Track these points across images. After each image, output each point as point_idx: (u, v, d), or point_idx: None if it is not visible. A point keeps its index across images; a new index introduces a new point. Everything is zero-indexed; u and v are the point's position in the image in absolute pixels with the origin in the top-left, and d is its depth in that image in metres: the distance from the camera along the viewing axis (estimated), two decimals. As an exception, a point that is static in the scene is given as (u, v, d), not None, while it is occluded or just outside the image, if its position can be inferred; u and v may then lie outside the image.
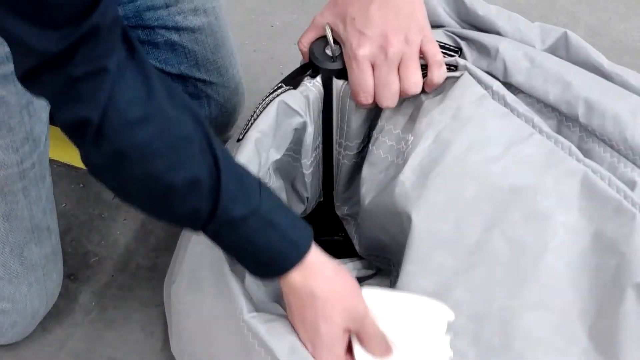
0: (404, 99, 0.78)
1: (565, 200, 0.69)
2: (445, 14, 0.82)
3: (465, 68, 0.76)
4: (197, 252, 0.76)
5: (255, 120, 0.77)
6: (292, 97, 0.77)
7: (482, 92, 0.74)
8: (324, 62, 0.79)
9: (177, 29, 0.99)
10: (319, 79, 0.80)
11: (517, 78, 0.76)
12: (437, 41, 0.79)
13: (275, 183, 0.80)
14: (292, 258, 0.65)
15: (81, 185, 1.13)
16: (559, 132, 0.76)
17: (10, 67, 0.79)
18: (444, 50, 0.79)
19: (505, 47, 0.77)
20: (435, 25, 0.82)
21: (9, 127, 0.81)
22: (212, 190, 0.61)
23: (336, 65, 0.79)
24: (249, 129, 0.76)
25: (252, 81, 1.15)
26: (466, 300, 0.69)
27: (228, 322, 0.70)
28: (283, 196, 0.83)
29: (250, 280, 0.74)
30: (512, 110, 0.74)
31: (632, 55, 1.30)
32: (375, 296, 0.68)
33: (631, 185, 0.70)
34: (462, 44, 0.80)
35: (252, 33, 1.33)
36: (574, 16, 1.36)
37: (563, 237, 0.68)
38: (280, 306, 0.74)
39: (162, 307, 0.99)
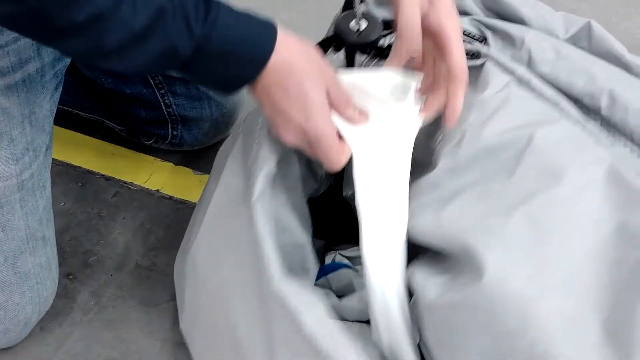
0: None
1: (590, 187, 0.67)
2: (470, 1, 0.82)
3: (488, 55, 0.75)
4: (215, 220, 0.75)
5: None
6: None
7: (506, 79, 0.74)
8: (349, 35, 0.78)
9: None
10: (341, 53, 0.79)
11: (542, 69, 0.76)
12: (463, 29, 0.79)
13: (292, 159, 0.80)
14: (268, 37, 0.68)
15: (80, 184, 1.13)
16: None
17: (14, 77, 0.79)
18: (470, 39, 0.79)
19: (531, 38, 0.77)
20: (460, 13, 0.82)
21: (11, 138, 0.81)
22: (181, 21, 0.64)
23: (360, 39, 0.78)
24: None
25: (251, 80, 1.14)
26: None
27: (252, 290, 0.69)
28: (296, 172, 0.81)
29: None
30: (538, 94, 0.73)
31: (633, 53, 1.29)
32: (347, 76, 0.72)
33: None
34: (488, 33, 0.80)
35: (252, 31, 1.32)
36: (575, 14, 1.36)
37: (586, 225, 0.66)
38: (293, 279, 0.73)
39: (161, 306, 0.99)
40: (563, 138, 0.70)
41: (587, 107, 0.74)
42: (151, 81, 1.07)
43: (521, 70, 0.74)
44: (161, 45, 0.64)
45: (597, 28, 0.78)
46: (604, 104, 0.72)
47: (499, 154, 0.71)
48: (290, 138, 0.70)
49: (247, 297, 0.70)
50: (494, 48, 0.79)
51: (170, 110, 1.09)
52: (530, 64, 0.76)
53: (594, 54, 0.77)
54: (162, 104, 1.08)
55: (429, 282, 0.71)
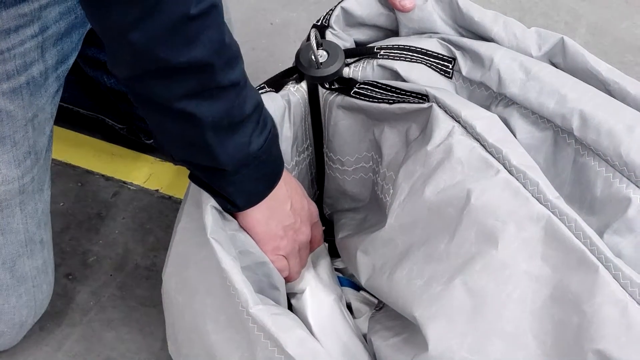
0: (400, 147, 0.78)
1: (528, 247, 0.66)
2: (440, 21, 0.81)
3: (435, 99, 0.74)
4: (181, 252, 0.76)
5: None
6: (270, 99, 0.77)
7: (450, 127, 0.72)
8: (309, 68, 0.78)
9: None
10: (303, 84, 0.79)
11: (512, 90, 0.74)
12: (432, 51, 0.79)
13: None
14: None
15: (79, 184, 1.13)
16: (555, 144, 0.74)
17: (19, 81, 0.79)
18: (439, 61, 0.78)
19: (500, 58, 0.75)
20: (430, 32, 0.82)
21: (14, 142, 0.81)
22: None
23: (320, 73, 0.78)
24: None
25: (251, 80, 1.14)
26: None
27: (227, 317, 0.70)
28: None
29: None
30: (481, 141, 0.71)
31: (634, 53, 1.29)
32: None
33: (626, 202, 0.68)
34: (457, 53, 0.78)
35: (251, 31, 1.32)
36: (576, 13, 1.36)
37: (527, 287, 0.66)
38: (268, 298, 0.74)
39: (160, 306, 0.98)
40: (499, 195, 0.68)
41: (560, 128, 0.73)
42: None
43: (465, 113, 0.72)
44: (244, 135, 0.69)
45: (571, 44, 0.76)
46: (575, 125, 0.71)
47: (441, 213, 0.70)
48: (284, 243, 0.77)
49: (222, 325, 0.70)
50: (464, 69, 0.78)
51: None
52: (500, 84, 0.75)
53: (570, 70, 0.76)
54: None
55: (384, 345, 0.75)
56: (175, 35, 0.61)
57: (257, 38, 1.31)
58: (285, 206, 0.76)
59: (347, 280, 0.91)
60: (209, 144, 0.67)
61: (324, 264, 0.86)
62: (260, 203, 0.73)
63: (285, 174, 0.75)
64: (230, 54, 0.66)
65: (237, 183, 0.71)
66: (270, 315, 0.67)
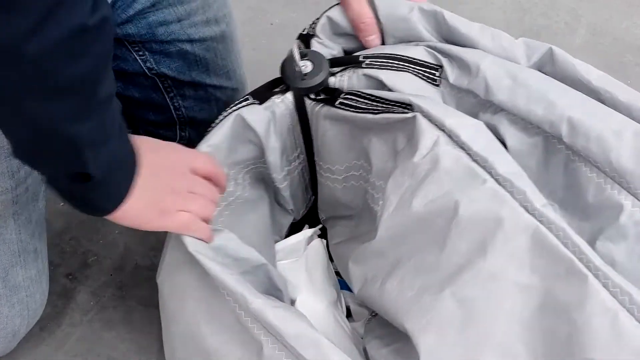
0: (389, 156, 0.78)
1: (517, 257, 0.66)
2: (426, 32, 0.80)
3: (419, 108, 0.73)
4: (173, 258, 0.76)
5: (209, 132, 0.77)
6: (252, 112, 0.76)
7: (435, 137, 0.71)
8: (294, 80, 0.78)
9: (190, 40, 0.98)
10: (289, 94, 0.79)
11: (499, 97, 0.74)
12: (418, 59, 0.78)
13: (252, 195, 0.81)
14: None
15: (80, 184, 1.13)
16: (545, 150, 0.74)
17: None
18: (425, 69, 0.78)
19: (487, 65, 0.75)
20: (417, 41, 0.81)
21: (8, 152, 0.81)
22: None
23: (305, 84, 0.78)
24: (201, 141, 0.77)
25: (251, 79, 1.14)
26: None
27: (222, 322, 0.70)
28: (265, 208, 0.84)
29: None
30: (467, 150, 0.70)
31: (633, 53, 1.29)
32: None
33: (619, 208, 0.68)
34: (444, 61, 0.78)
35: (251, 31, 1.33)
36: (575, 14, 1.36)
37: (516, 297, 0.65)
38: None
39: (160, 306, 1.00)
40: (486, 205, 0.67)
41: (550, 135, 0.73)
42: (160, 85, 1.07)
43: (449, 122, 0.71)
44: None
45: (560, 54, 0.75)
46: (564, 131, 0.70)
47: (429, 225, 0.70)
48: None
49: (218, 329, 0.70)
50: (451, 76, 0.77)
51: (180, 112, 1.09)
52: (487, 91, 0.74)
53: (560, 80, 0.75)
54: (171, 107, 1.08)
55: (377, 355, 0.75)
56: (69, 46, 0.57)
57: (257, 38, 1.31)
58: (161, 178, 0.72)
59: (345, 282, 0.91)
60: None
61: (320, 265, 0.85)
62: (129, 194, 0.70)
63: (144, 149, 0.70)
64: (110, 68, 0.63)
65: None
66: (271, 308, 0.66)
